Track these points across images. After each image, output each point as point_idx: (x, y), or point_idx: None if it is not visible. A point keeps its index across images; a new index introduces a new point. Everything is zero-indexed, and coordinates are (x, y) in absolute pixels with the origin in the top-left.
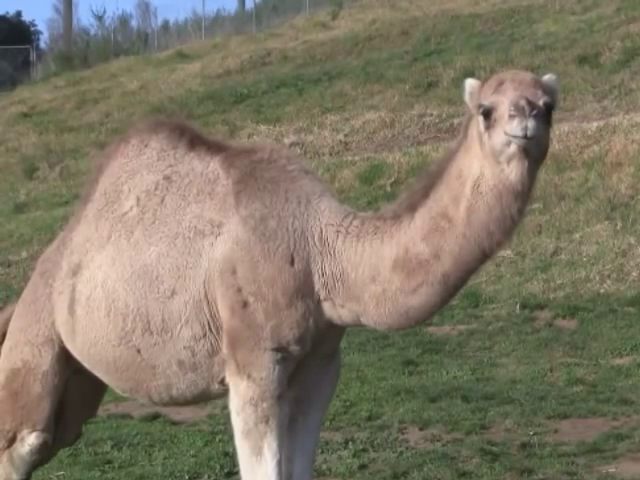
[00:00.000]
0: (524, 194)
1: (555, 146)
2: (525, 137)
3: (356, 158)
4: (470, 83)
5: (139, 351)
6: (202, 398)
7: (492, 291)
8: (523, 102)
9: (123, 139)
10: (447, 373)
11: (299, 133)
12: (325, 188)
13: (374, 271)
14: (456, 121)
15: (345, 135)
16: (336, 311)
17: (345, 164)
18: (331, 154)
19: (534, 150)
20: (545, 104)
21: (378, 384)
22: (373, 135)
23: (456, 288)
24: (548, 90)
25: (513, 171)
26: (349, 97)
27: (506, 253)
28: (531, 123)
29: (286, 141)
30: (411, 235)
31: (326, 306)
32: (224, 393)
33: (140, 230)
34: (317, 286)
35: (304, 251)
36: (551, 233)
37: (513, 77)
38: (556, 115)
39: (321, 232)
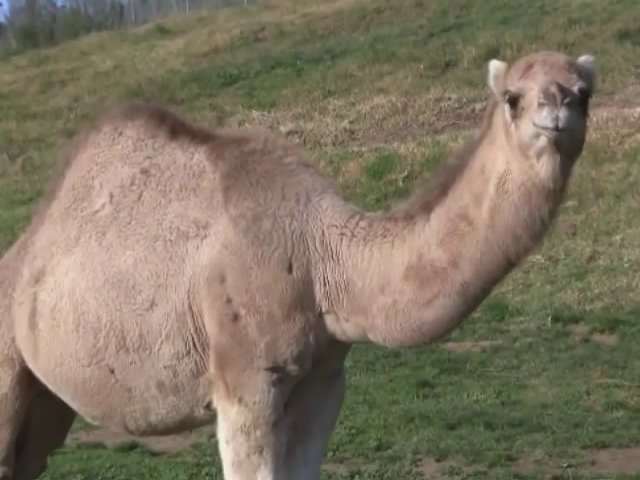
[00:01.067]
0: (556, 193)
1: (592, 135)
2: (556, 129)
3: (363, 149)
4: (495, 65)
5: (113, 371)
6: (185, 425)
7: (520, 302)
8: (554, 89)
9: (94, 127)
10: (468, 396)
11: (297, 120)
12: (327, 184)
13: (383, 280)
14: (478, 106)
15: (350, 122)
16: (340, 325)
17: (350, 156)
18: (334, 144)
19: (567, 143)
20: (580, 90)
21: (389, 409)
22: (383, 122)
23: (477, 300)
24: (584, 74)
25: (543, 167)
26: (355, 79)
27: (536, 258)
28: (563, 113)
29: (282, 129)
30: (426, 239)
31: (328, 319)
32: (210, 419)
33: (114, 231)
34: (318, 296)
35: (303, 256)
36: (587, 235)
37: (544, 59)
38: (594, 99)
39: (323, 235)
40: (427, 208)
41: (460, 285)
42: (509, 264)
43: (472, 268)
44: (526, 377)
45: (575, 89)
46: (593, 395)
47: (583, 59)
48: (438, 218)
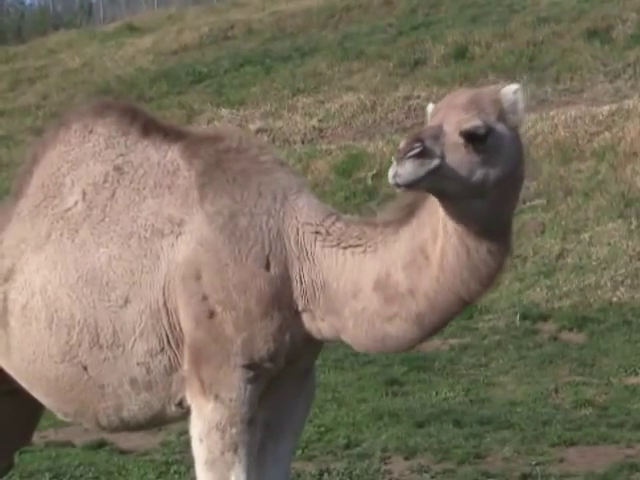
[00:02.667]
0: (486, 234)
1: (561, 133)
2: (397, 185)
3: (332, 147)
4: (431, 108)
5: (86, 368)
6: (156, 422)
7: (488, 300)
8: (403, 144)
9: (62, 124)
10: (437, 394)
11: (266, 118)
12: (302, 183)
13: (356, 286)
14: None
15: (319, 120)
16: (315, 324)
17: (319, 154)
18: (303, 142)
19: (453, 189)
20: (465, 132)
21: (357, 407)
22: (351, 120)
23: (434, 329)
24: (492, 109)
25: (449, 211)
26: (324, 77)
27: None
28: (402, 169)
29: (251, 127)
30: (394, 258)
31: (305, 318)
32: (180, 417)
33: (87, 228)
34: (295, 294)
35: (281, 254)
36: (556, 233)
37: (449, 101)
38: (562, 98)
39: (297, 233)
40: (399, 224)
41: (415, 315)
42: (463, 303)
43: (427, 302)
44: (494, 375)
45: (457, 132)
46: (561, 393)
47: (505, 90)
48: (405, 241)
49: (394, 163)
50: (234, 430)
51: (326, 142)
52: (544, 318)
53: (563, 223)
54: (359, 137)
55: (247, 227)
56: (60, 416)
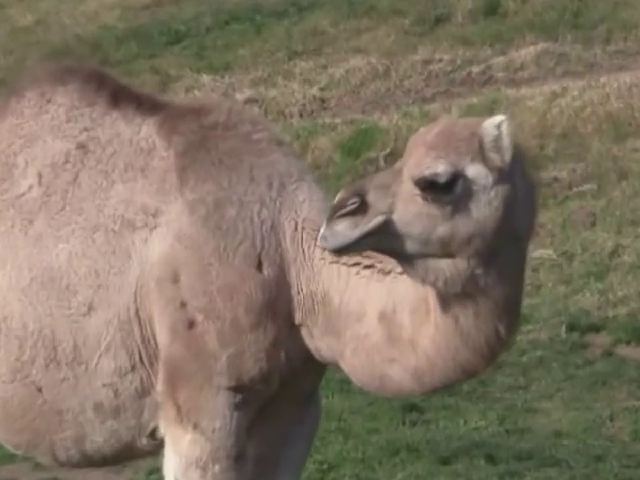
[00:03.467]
0: (465, 297)
1: (614, 104)
2: (325, 249)
3: (337, 121)
4: None
5: (40, 390)
6: (124, 457)
7: (528, 307)
8: (338, 197)
9: (14, 92)
10: (465, 423)
11: (257, 86)
12: (304, 168)
13: (361, 308)
14: (475, 69)
15: (321, 89)
16: (314, 342)
17: (321, 129)
18: (302, 115)
19: (407, 248)
20: (419, 181)
21: (368, 438)
22: (360, 89)
23: (434, 388)
24: (467, 147)
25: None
26: (327, 36)
27: (547, 253)
28: (329, 231)
29: (239, 97)
30: (402, 295)
31: (304, 332)
32: (154, 450)
33: (43, 219)
34: (293, 303)
35: (276, 252)
36: (609, 225)
37: (420, 136)
38: (614, 61)
39: (295, 229)
40: None
41: (414, 368)
42: (464, 372)
43: (426, 361)
44: (536, 399)
45: (412, 180)
46: (618, 421)
47: (487, 123)
48: (414, 283)
49: (324, 222)
50: (217, 467)
51: (329, 115)
52: (596, 329)
53: (618, 213)
54: (369, 109)
55: (235, 219)
56: (10, 448)
